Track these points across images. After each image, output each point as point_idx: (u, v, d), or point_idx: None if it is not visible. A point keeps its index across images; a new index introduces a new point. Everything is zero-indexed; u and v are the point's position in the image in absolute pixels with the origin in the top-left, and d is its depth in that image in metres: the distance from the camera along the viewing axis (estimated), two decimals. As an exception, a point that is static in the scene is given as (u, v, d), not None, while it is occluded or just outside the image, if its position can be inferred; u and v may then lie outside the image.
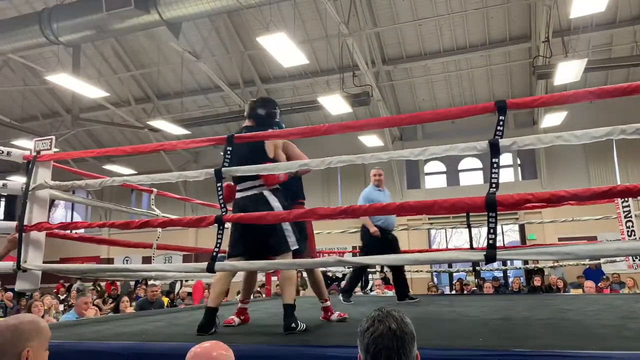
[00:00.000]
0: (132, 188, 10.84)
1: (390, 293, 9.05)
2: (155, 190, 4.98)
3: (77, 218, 19.74)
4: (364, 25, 11.69)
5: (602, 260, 7.04)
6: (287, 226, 3.17)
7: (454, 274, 11.47)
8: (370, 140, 13.27)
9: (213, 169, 3.01)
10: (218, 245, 3.03)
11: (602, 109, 12.20)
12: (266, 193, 3.22)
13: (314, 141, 15.49)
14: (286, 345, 2.36)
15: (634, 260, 5.73)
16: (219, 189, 3.00)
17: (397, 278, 5.39)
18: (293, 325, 2.92)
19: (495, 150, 2.52)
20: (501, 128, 2.63)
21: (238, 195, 3.29)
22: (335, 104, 10.88)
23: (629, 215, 5.55)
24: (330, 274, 11.79)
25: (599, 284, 8.82)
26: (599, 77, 12.29)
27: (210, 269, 2.98)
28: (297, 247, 3.20)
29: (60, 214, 19.81)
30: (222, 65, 13.75)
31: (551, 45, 10.06)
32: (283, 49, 8.47)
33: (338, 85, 11.60)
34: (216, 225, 3.03)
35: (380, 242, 5.21)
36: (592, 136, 2.34)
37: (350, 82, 11.35)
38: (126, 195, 17.48)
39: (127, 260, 16.55)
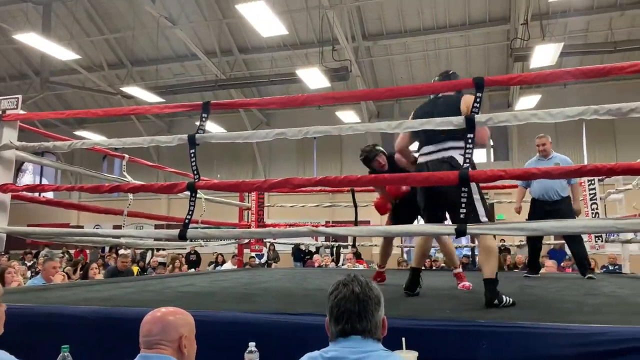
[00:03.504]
0: (104, 154, 10.58)
1: (361, 267, 9.17)
2: (126, 156, 4.87)
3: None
4: (345, -2, 11.54)
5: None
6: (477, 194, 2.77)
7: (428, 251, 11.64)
8: (348, 116, 13.28)
9: (186, 135, 2.96)
10: (190, 212, 3.00)
11: (574, 94, 12.44)
12: (457, 156, 2.80)
13: (292, 115, 15.43)
14: (259, 313, 2.36)
15: (596, 241, 5.92)
16: (192, 155, 2.96)
17: (575, 252, 5.01)
18: (496, 301, 2.59)
19: (470, 125, 2.55)
20: (478, 104, 2.65)
21: (425, 158, 2.95)
22: (313, 78, 10.79)
23: (594, 197, 5.71)
24: (303, 247, 11.86)
25: (562, 264, 9.10)
26: (574, 62, 12.46)
27: (182, 236, 2.96)
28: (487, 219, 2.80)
29: (28, 180, 19.30)
30: (199, 33, 13.42)
31: (529, 28, 10.12)
32: (262, 19, 8.32)
33: (317, 58, 11.48)
34: (188, 193, 3.00)
35: (538, 215, 4.81)
36: (566, 115, 2.38)
37: (330, 57, 11.24)
38: (98, 163, 17.14)
39: (97, 228, 16.32)
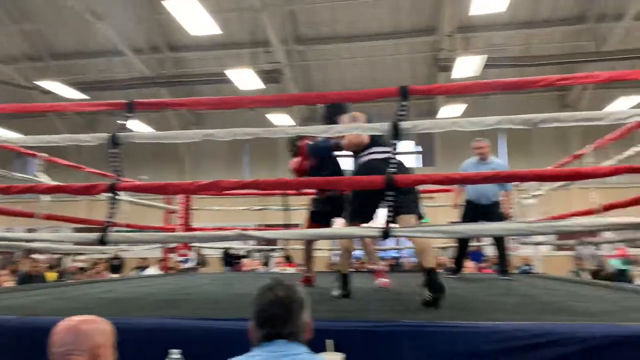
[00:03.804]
0: (16, 151, 9.87)
1: (292, 270, 9.17)
2: (44, 154, 4.56)
3: (-51, 184, 17.66)
4: (279, 1, 11.53)
5: (484, 242, 7.66)
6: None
7: (352, 253, 11.83)
8: (280, 119, 13.29)
9: (108, 134, 2.83)
10: (111, 215, 2.87)
11: (496, 105, 13.21)
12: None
13: (223, 116, 15.17)
14: (183, 319, 2.29)
15: (511, 243, 6.29)
16: (114, 155, 2.83)
17: (499, 253, 5.31)
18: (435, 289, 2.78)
19: (396, 132, 2.63)
20: (403, 112, 2.75)
21: (371, 157, 3.17)
22: (245, 79, 10.69)
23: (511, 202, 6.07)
24: (233, 251, 11.67)
25: (481, 265, 9.60)
26: (495, 74, 13.19)
27: (102, 241, 2.82)
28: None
29: None
30: (126, 29, 12.85)
31: (454, 40, 10.62)
32: (193, 16, 8.11)
33: (249, 60, 11.38)
34: (110, 194, 2.86)
35: (471, 215, 5.05)
36: (485, 124, 2.51)
37: (263, 59, 11.19)
38: (10, 162, 15.94)
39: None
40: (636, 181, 6.96)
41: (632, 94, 11.67)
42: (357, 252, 12.22)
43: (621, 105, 11.68)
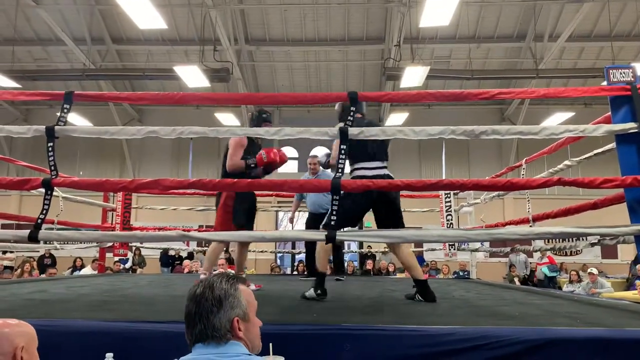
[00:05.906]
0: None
1: (231, 272, 9.05)
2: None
3: None
4: (229, 0, 11.40)
5: (424, 248, 7.88)
6: None
7: (296, 256, 11.88)
8: (227, 118, 13.13)
9: (44, 126, 2.69)
10: (44, 212, 2.73)
11: (437, 115, 13.65)
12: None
13: (167, 113, 14.80)
14: (118, 321, 2.21)
15: (449, 249, 6.50)
16: (50, 149, 2.69)
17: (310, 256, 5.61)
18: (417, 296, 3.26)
19: (344, 137, 2.66)
20: (351, 118, 2.79)
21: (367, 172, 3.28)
22: (192, 76, 10.48)
23: (450, 209, 6.28)
24: (173, 252, 11.38)
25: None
26: (438, 85, 13.63)
27: (33, 238, 2.68)
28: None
29: None
30: (66, 16, 12.28)
31: (401, 50, 10.88)
32: (139, 8, 7.87)
33: (197, 57, 11.17)
34: (43, 190, 2.72)
35: (312, 225, 5.40)
36: (428, 133, 2.59)
37: (211, 57, 11.00)
38: None
39: None
40: (571, 193, 7.40)
41: (567, 110, 12.38)
42: (302, 256, 12.26)
43: (556, 120, 12.35)
